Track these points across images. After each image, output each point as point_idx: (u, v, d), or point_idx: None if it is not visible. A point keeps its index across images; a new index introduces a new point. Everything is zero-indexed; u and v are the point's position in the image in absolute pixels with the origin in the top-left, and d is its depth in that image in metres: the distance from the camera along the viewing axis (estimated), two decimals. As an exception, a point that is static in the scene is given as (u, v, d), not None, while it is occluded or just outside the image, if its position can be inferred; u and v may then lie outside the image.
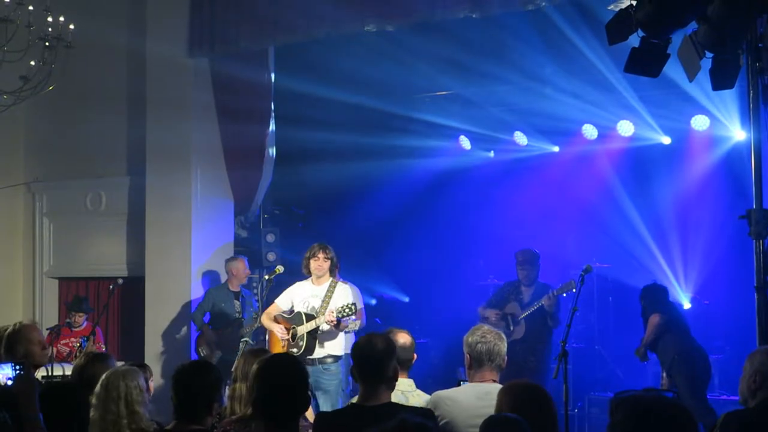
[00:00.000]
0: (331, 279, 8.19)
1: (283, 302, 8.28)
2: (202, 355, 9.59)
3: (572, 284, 8.63)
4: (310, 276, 8.22)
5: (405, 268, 12.78)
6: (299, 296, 8.23)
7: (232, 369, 6.83)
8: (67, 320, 9.80)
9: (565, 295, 8.77)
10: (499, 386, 4.75)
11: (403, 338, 5.27)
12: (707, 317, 10.38)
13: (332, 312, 7.70)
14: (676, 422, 2.85)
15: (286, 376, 3.81)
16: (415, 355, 5.38)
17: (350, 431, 4.11)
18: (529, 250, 9.31)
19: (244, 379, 5.00)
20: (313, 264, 8.12)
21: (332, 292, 8.07)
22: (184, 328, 10.23)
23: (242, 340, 8.35)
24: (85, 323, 9.76)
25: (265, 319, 8.31)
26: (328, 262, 8.13)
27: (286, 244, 11.09)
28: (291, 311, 8.22)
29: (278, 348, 7.99)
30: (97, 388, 4.53)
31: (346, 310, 7.65)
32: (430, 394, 4.96)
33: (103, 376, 4.58)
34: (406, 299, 12.87)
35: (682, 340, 8.31)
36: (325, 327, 7.90)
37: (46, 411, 3.93)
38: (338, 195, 12.41)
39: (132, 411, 4.47)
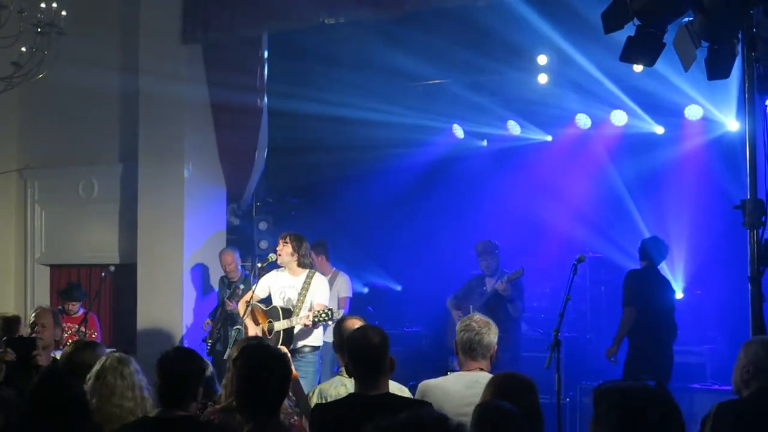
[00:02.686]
0: (307, 271, 8.20)
1: (260, 290, 8.29)
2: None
3: (521, 271, 8.90)
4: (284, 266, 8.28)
5: (397, 257, 12.78)
6: (276, 285, 8.25)
7: (225, 357, 6.83)
8: (59, 307, 9.76)
9: (515, 282, 8.86)
10: (486, 374, 4.76)
11: (353, 325, 5.19)
12: (699, 307, 10.40)
13: (309, 316, 7.69)
14: (661, 412, 2.83)
15: (259, 368, 3.76)
16: None
17: (349, 421, 4.09)
18: (487, 241, 9.40)
19: None
20: (278, 254, 8.18)
21: (309, 284, 8.09)
22: (176, 316, 10.21)
23: (234, 327, 8.34)
24: (81, 310, 9.72)
25: (242, 307, 8.34)
26: (288, 247, 8.13)
27: (279, 233, 10.98)
28: (269, 299, 8.24)
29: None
30: (109, 377, 4.49)
31: (323, 316, 7.63)
32: (418, 382, 4.95)
33: (103, 365, 4.54)
34: (399, 288, 12.88)
35: (645, 340, 8.32)
36: (298, 327, 7.92)
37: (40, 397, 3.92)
38: (331, 183, 12.40)
39: (142, 397, 4.49)
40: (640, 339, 8.39)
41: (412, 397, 4.83)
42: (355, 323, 5.24)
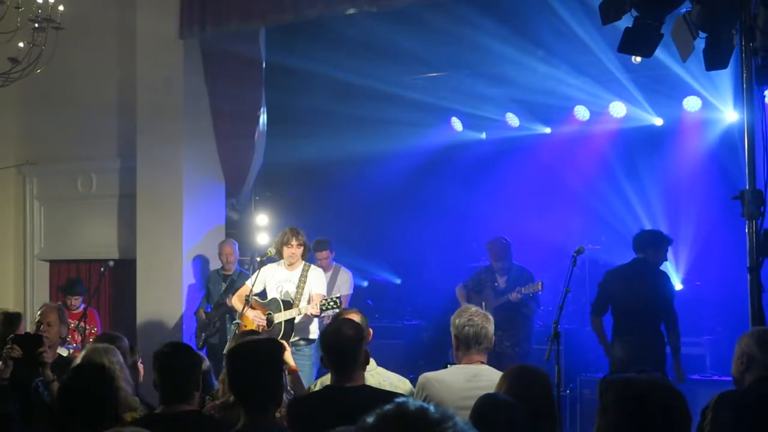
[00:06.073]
0: (303, 263, 8.20)
1: (257, 284, 8.20)
2: (199, 338, 9.68)
3: (539, 286, 8.74)
4: (281, 259, 8.23)
5: (397, 250, 12.78)
6: (272, 279, 8.21)
7: (224, 352, 6.81)
8: (59, 303, 9.73)
9: (531, 294, 8.80)
10: (487, 368, 4.76)
11: (352, 318, 5.22)
12: (699, 298, 10.39)
13: (315, 305, 7.68)
14: (668, 404, 2.82)
15: (253, 364, 3.71)
16: (371, 330, 5.34)
17: (325, 412, 4.10)
18: (498, 241, 9.24)
19: None
20: (287, 251, 8.11)
21: (306, 277, 8.09)
22: (176, 310, 10.21)
23: (234, 322, 8.33)
24: (82, 306, 9.71)
25: (236, 302, 8.31)
26: (302, 248, 8.12)
27: (278, 227, 11.04)
28: (263, 294, 8.20)
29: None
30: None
31: (331, 304, 7.61)
32: (418, 375, 4.96)
33: (82, 355, 4.54)
34: (398, 281, 12.88)
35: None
36: (299, 316, 7.91)
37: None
38: (330, 177, 12.39)
39: (116, 387, 4.43)
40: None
41: (410, 389, 4.84)
42: (354, 317, 5.25)
